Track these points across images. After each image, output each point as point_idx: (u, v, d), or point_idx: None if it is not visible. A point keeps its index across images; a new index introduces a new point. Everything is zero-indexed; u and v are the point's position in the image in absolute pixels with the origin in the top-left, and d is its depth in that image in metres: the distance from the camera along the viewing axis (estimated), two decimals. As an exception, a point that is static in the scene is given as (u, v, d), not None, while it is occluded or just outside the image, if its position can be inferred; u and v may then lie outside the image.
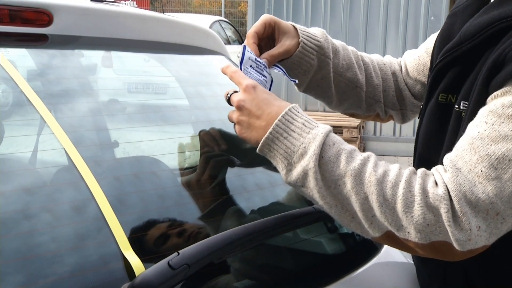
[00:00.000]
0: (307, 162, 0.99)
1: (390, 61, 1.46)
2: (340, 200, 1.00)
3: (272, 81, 1.18)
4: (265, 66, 1.17)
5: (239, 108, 1.05)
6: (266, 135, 1.02)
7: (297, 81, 1.24)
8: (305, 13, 6.94)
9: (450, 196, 0.94)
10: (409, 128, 6.83)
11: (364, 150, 7.28)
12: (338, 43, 1.34)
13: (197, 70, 1.65)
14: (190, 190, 1.30)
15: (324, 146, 0.99)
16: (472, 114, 1.01)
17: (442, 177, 0.96)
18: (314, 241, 1.36)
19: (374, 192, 0.97)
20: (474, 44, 1.06)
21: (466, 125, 1.02)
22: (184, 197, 1.28)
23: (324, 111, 6.85)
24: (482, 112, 0.98)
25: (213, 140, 1.36)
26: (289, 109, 1.03)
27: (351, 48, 1.38)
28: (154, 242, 1.09)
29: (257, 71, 1.15)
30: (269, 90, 1.15)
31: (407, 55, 1.46)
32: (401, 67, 1.45)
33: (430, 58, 1.35)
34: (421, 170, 1.00)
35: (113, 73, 1.52)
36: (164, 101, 1.54)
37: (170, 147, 1.43)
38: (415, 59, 1.41)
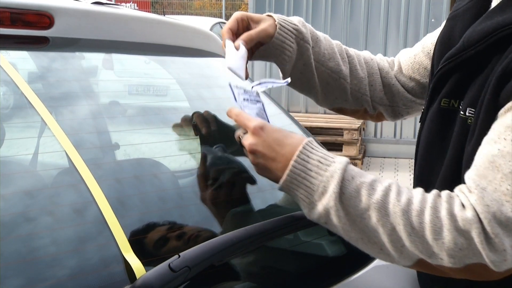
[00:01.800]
0: (328, 201, 0.98)
1: (379, 58, 1.45)
2: (367, 233, 0.99)
3: (263, 103, 1.18)
4: (257, 94, 1.17)
5: (252, 152, 1.05)
6: (284, 178, 1.02)
7: (289, 81, 1.23)
8: (305, 15, 6.94)
9: (479, 218, 0.92)
10: (410, 130, 6.83)
11: (364, 153, 7.25)
12: (320, 33, 1.33)
13: (197, 72, 1.65)
14: (191, 192, 1.30)
15: (343, 182, 0.99)
16: (482, 123, 1.00)
17: (469, 199, 0.95)
18: (315, 244, 1.36)
19: (400, 223, 0.96)
20: (478, 50, 1.05)
21: (474, 134, 1.01)
22: (185, 199, 1.28)
23: (325, 113, 6.85)
24: (498, 127, 0.97)
25: (213, 140, 1.36)
26: (303, 147, 1.02)
27: (336, 41, 1.37)
28: (155, 245, 1.09)
29: (252, 101, 1.15)
30: (266, 113, 1.16)
31: (402, 53, 1.46)
32: (393, 64, 1.44)
33: (426, 57, 1.36)
34: (445, 193, 0.98)
35: (114, 75, 1.52)
36: (165, 103, 1.54)
37: (171, 149, 1.43)
38: (411, 57, 1.40)
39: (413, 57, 1.40)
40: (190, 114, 1.41)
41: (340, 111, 1.42)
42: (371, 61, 1.41)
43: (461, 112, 1.08)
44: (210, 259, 0.99)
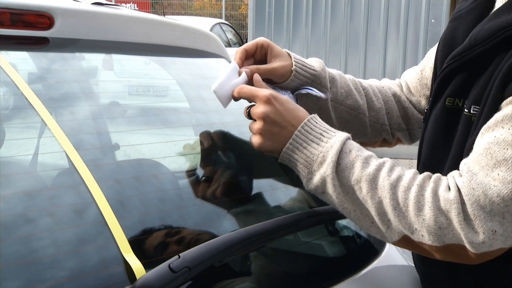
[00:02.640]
0: (325, 169, 1.03)
1: (388, 83, 1.45)
2: (358, 205, 1.04)
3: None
4: (289, 92, 1.18)
5: (263, 119, 1.07)
6: (286, 145, 1.07)
7: (327, 96, 1.24)
8: (305, 16, 6.95)
9: (462, 199, 0.95)
10: (410, 130, 6.82)
11: (364, 153, 7.17)
12: (335, 71, 1.33)
13: (198, 73, 1.65)
14: (191, 193, 1.30)
15: (341, 154, 1.04)
16: (485, 119, 1.01)
17: (456, 182, 0.98)
18: (315, 244, 1.36)
19: (387, 196, 1.00)
20: (486, 48, 1.06)
21: (478, 130, 1.02)
22: (185, 200, 1.28)
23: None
24: (497, 117, 0.98)
25: (213, 141, 1.36)
26: (308, 120, 1.07)
27: (349, 76, 1.36)
28: (155, 245, 1.09)
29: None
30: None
31: (406, 74, 1.45)
32: (401, 87, 1.43)
33: (432, 70, 1.35)
34: (435, 175, 1.02)
35: (114, 76, 1.52)
36: (165, 104, 1.54)
37: (171, 150, 1.43)
38: (417, 74, 1.40)
39: (420, 73, 1.39)
40: (190, 114, 1.41)
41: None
42: (383, 89, 1.41)
43: (466, 110, 1.08)
44: (210, 260, 0.99)
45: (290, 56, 1.23)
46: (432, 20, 6.70)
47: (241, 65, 1.18)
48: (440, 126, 1.16)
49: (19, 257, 0.94)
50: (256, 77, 1.16)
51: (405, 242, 1.03)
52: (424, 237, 0.99)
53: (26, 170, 1.38)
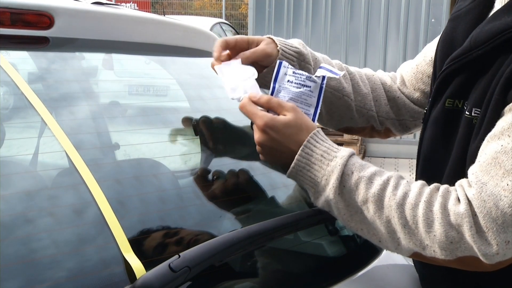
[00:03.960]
0: (328, 194, 1.03)
1: (380, 73, 1.45)
2: (366, 224, 1.03)
3: (322, 86, 1.14)
4: (308, 76, 1.13)
5: (260, 145, 1.09)
6: (289, 169, 1.07)
7: (343, 74, 1.22)
8: (305, 16, 6.94)
9: (474, 212, 0.94)
10: (410, 130, 6.82)
11: (365, 153, 7.26)
12: (319, 54, 1.33)
13: (198, 73, 1.65)
14: (191, 193, 1.30)
15: (343, 177, 1.03)
16: (489, 123, 1.01)
17: (466, 193, 0.97)
18: (315, 244, 1.36)
19: (395, 216, 0.99)
20: (486, 50, 1.06)
21: (479, 132, 1.02)
22: (185, 200, 1.28)
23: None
24: (502, 124, 0.98)
25: (213, 141, 1.36)
26: (307, 141, 1.06)
27: (336, 60, 1.36)
28: (155, 245, 1.09)
29: (297, 85, 1.12)
30: (319, 97, 1.14)
31: (403, 67, 1.45)
32: (395, 79, 1.43)
33: (428, 65, 1.35)
34: (443, 187, 1.01)
35: (114, 75, 1.52)
36: (165, 103, 1.54)
37: (171, 150, 1.43)
38: (413, 68, 1.40)
39: (415, 67, 1.39)
40: (190, 114, 1.41)
41: (347, 131, 1.42)
42: (373, 77, 1.41)
43: (467, 113, 1.08)
44: (210, 259, 0.99)
45: (271, 39, 1.23)
46: (432, 20, 6.70)
47: (219, 54, 1.17)
48: (439, 127, 1.15)
49: (19, 257, 0.94)
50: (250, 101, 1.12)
51: (417, 256, 1.03)
52: (436, 252, 0.98)
53: (26, 170, 1.38)
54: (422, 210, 0.97)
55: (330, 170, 1.03)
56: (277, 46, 1.21)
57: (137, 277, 0.91)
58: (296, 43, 1.27)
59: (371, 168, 1.05)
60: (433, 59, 1.32)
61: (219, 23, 11.72)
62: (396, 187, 1.01)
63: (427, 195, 0.99)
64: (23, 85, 1.11)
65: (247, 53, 1.17)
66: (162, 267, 0.92)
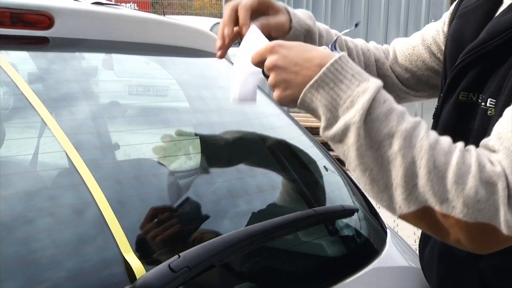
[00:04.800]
0: (353, 115, 0.91)
1: (374, 47, 1.44)
2: (379, 163, 0.92)
3: None
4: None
5: (272, 69, 0.97)
6: (310, 83, 0.94)
7: (343, 53, 1.20)
8: (305, 16, 6.94)
9: (506, 174, 0.88)
10: (410, 130, 6.83)
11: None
12: (322, 27, 1.32)
13: (198, 73, 1.65)
14: (191, 193, 1.30)
15: (374, 102, 0.92)
16: (502, 110, 0.97)
17: (494, 156, 0.91)
18: (315, 244, 1.36)
19: (424, 157, 0.89)
20: (504, 40, 1.04)
21: (495, 123, 0.98)
22: (185, 200, 1.28)
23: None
24: None
25: (213, 141, 1.36)
26: (339, 58, 0.95)
27: (334, 31, 1.35)
28: (155, 245, 1.09)
29: None
30: None
31: (397, 42, 1.44)
32: (388, 53, 1.43)
33: (426, 51, 1.36)
34: (471, 146, 0.94)
35: (114, 75, 1.52)
36: (165, 103, 1.54)
37: (171, 150, 1.43)
38: (408, 48, 1.39)
39: (412, 48, 1.39)
40: (190, 114, 1.41)
41: None
42: (368, 52, 1.40)
43: (482, 104, 1.06)
44: (210, 259, 0.99)
45: (287, 11, 1.21)
46: (432, 20, 6.69)
47: (249, 24, 1.11)
48: (453, 121, 1.13)
49: (19, 257, 0.94)
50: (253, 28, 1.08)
51: (420, 214, 0.92)
52: (456, 209, 0.88)
53: (26, 170, 1.38)
54: (456, 159, 0.89)
55: (361, 90, 0.92)
56: (290, 23, 1.20)
57: (137, 277, 0.91)
58: (307, 18, 1.25)
59: (402, 106, 0.95)
60: (431, 46, 1.33)
61: (219, 23, 11.72)
62: (428, 130, 0.92)
63: (461, 146, 0.92)
64: (23, 85, 1.11)
65: (271, 25, 1.15)
66: (162, 267, 0.92)
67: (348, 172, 1.47)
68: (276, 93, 0.99)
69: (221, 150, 1.43)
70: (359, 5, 6.88)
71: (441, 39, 1.33)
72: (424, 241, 1.29)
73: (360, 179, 0.95)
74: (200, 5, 20.38)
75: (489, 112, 1.04)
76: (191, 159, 1.44)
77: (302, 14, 1.26)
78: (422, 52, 1.37)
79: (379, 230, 1.51)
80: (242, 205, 1.32)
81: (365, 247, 1.44)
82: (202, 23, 10.50)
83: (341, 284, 1.23)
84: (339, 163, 1.61)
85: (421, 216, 0.92)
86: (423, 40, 1.38)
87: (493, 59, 1.06)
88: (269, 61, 0.98)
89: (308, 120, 6.74)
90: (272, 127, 1.62)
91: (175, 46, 1.54)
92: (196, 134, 1.46)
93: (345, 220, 1.43)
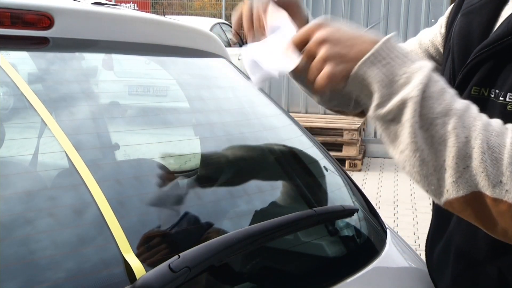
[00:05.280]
0: (410, 90, 0.88)
1: None
2: (430, 144, 0.89)
3: None
4: None
5: (324, 42, 0.93)
6: (364, 58, 0.90)
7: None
8: (305, 16, 6.94)
9: None
10: (410, 130, 6.82)
11: (364, 153, 7.25)
12: None
13: (198, 73, 1.65)
14: (191, 193, 1.30)
15: (429, 81, 0.90)
16: None
17: None
18: (315, 244, 1.36)
19: (478, 137, 0.87)
20: None
21: None
22: (185, 200, 1.28)
23: (325, 113, 6.86)
24: None
25: (213, 142, 1.36)
26: (391, 37, 0.93)
27: None
28: (155, 245, 1.09)
29: None
30: None
31: None
32: None
33: (424, 54, 1.35)
34: None
35: (114, 75, 1.52)
36: (165, 103, 1.54)
37: (171, 150, 1.43)
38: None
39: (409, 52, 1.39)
40: (190, 114, 1.41)
41: (339, 112, 1.40)
42: None
43: (501, 98, 1.05)
44: (210, 260, 0.99)
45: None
46: (432, 20, 6.70)
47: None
48: None
49: (19, 257, 0.94)
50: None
51: (468, 200, 0.88)
52: (510, 193, 0.85)
53: (26, 170, 1.38)
54: (510, 140, 0.87)
55: (417, 67, 0.90)
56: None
57: (137, 277, 0.91)
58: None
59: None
60: (429, 49, 1.33)
61: (219, 23, 11.72)
62: (479, 111, 0.91)
63: (511, 128, 0.89)
64: (23, 86, 1.11)
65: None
66: (162, 267, 0.92)
67: (347, 172, 1.47)
68: (328, 69, 0.93)
69: (221, 150, 1.43)
70: (359, 5, 6.88)
71: (439, 41, 1.34)
72: (433, 240, 1.28)
73: (408, 161, 0.91)
74: (200, 5, 20.38)
75: (508, 107, 1.03)
76: (191, 159, 1.44)
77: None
78: (421, 56, 1.37)
79: (379, 230, 1.51)
80: (242, 205, 1.32)
81: (365, 247, 1.44)
82: (202, 23, 10.50)
83: (341, 284, 1.23)
84: (339, 163, 1.61)
85: (469, 202, 0.89)
86: (420, 44, 1.38)
87: (509, 55, 1.05)
88: (320, 35, 0.94)
89: (308, 120, 6.74)
90: (272, 127, 1.62)
91: (175, 46, 1.54)
92: (196, 134, 1.46)
93: (345, 220, 1.43)
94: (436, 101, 0.89)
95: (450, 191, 0.89)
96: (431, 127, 0.89)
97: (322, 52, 0.93)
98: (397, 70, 0.90)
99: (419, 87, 0.88)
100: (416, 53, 1.37)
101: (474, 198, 0.88)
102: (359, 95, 0.95)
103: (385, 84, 0.90)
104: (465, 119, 0.89)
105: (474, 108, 0.92)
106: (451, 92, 0.92)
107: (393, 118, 0.90)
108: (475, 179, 0.87)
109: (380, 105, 0.91)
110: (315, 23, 0.96)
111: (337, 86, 0.96)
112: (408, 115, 0.89)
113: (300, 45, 0.97)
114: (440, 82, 0.91)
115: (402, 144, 0.90)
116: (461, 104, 0.90)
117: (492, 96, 1.07)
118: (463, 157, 0.87)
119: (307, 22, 1.18)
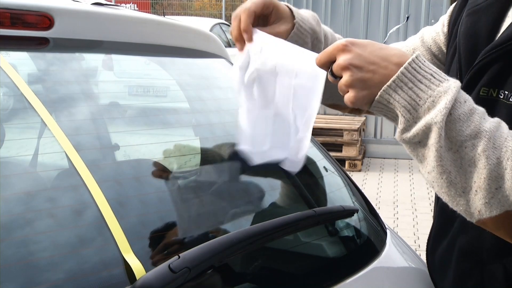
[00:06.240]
0: (435, 115, 0.87)
1: None
2: (459, 166, 0.89)
3: None
4: None
5: (347, 69, 0.92)
6: (388, 83, 0.90)
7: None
8: (305, 16, 6.94)
9: None
10: (410, 130, 6.82)
11: (364, 153, 7.25)
12: (327, 28, 1.30)
13: (197, 73, 1.65)
14: (191, 193, 1.30)
15: (455, 103, 0.89)
16: None
17: None
18: (315, 244, 1.36)
19: (510, 158, 0.87)
20: None
21: None
22: (185, 200, 1.28)
23: (325, 113, 6.86)
24: None
25: (213, 142, 1.36)
26: (416, 57, 0.91)
27: (338, 35, 1.34)
28: (154, 245, 1.09)
29: None
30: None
31: (395, 46, 1.44)
32: None
33: (427, 52, 1.35)
34: None
35: (114, 76, 1.52)
36: (165, 104, 1.54)
37: (171, 150, 1.43)
38: (408, 51, 1.38)
39: (411, 50, 1.38)
40: (190, 115, 1.41)
41: (333, 106, 1.40)
42: None
43: (511, 100, 1.05)
44: (210, 260, 0.99)
45: (291, 12, 1.16)
46: (432, 20, 6.70)
47: (251, 30, 1.09)
48: None
49: (19, 257, 0.94)
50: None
51: (501, 219, 0.89)
52: None
53: (26, 170, 1.38)
54: None
55: (442, 90, 0.89)
56: (293, 27, 1.15)
57: (137, 277, 0.91)
58: (311, 19, 1.21)
59: (481, 107, 0.93)
60: (432, 47, 1.33)
61: (218, 23, 11.72)
62: (509, 130, 0.90)
63: None
64: (23, 86, 1.11)
65: (266, 31, 1.11)
66: (162, 267, 0.92)
67: (347, 172, 1.47)
68: (351, 94, 0.93)
69: (221, 151, 1.43)
70: (359, 5, 6.88)
71: (441, 40, 1.33)
72: (436, 240, 1.28)
73: (436, 182, 0.92)
74: (200, 5, 20.38)
75: None
76: (191, 159, 1.44)
77: (305, 13, 1.22)
78: (423, 53, 1.36)
79: (379, 231, 1.51)
80: (242, 206, 1.32)
81: (365, 247, 1.44)
82: (202, 24, 10.50)
83: (341, 284, 1.24)
84: (339, 163, 1.61)
85: (503, 221, 0.90)
86: (422, 42, 1.37)
87: None
88: (343, 60, 0.92)
89: (308, 120, 6.73)
90: (272, 127, 1.62)
91: (175, 46, 1.54)
92: (195, 135, 1.46)
93: (345, 221, 1.43)
94: (464, 123, 0.89)
95: (482, 211, 0.89)
96: (460, 149, 0.89)
97: (345, 78, 0.92)
98: (422, 94, 0.89)
99: (444, 111, 0.87)
100: (419, 51, 1.37)
101: (508, 217, 0.89)
102: (385, 116, 0.95)
103: (410, 108, 0.90)
104: (496, 139, 0.88)
105: (504, 127, 0.91)
106: (480, 111, 0.91)
107: (419, 141, 0.91)
108: (508, 199, 0.88)
109: (406, 129, 0.91)
110: (338, 44, 0.94)
111: (362, 108, 0.96)
112: (433, 140, 0.88)
113: (325, 66, 0.97)
114: (468, 103, 0.90)
115: (429, 166, 0.91)
116: (490, 124, 0.90)
117: (501, 97, 1.07)
118: (495, 179, 0.88)
119: (291, 13, 1.17)
